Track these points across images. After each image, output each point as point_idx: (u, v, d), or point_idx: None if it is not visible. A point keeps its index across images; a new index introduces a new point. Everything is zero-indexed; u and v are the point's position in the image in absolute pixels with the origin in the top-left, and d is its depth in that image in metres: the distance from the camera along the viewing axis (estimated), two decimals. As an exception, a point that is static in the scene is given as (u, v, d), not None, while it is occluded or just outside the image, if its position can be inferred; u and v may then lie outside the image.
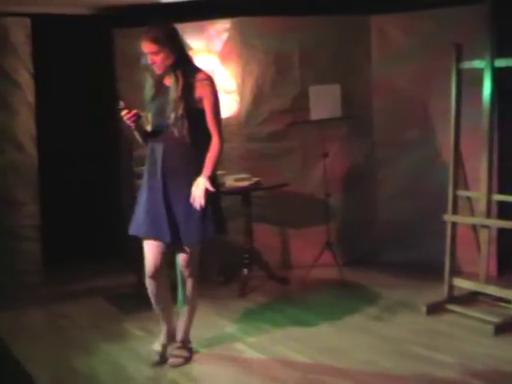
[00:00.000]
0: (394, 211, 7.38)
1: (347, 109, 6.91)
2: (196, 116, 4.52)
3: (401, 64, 7.20)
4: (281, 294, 6.63)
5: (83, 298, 6.70)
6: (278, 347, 5.15)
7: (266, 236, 7.30)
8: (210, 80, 4.58)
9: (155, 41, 4.43)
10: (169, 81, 4.60)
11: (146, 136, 4.68)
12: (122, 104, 4.43)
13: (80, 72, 7.96)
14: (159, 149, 4.57)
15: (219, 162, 4.68)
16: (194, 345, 5.00)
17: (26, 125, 7.12)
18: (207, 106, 4.53)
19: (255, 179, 6.71)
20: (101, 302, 6.60)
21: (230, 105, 7.25)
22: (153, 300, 4.79)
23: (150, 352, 4.99)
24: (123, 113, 4.43)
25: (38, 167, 7.22)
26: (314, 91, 6.87)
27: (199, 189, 4.43)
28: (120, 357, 5.09)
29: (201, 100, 4.52)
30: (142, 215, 4.63)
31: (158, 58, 4.47)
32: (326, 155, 6.94)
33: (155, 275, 4.67)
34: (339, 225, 7.33)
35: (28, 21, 7.11)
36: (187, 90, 4.49)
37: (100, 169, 8.11)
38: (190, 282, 4.82)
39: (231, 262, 6.95)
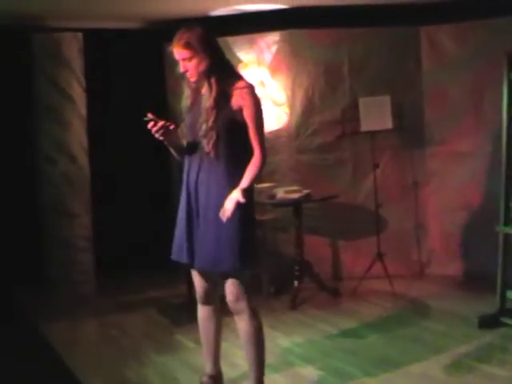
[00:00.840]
0: (446, 222, 7.32)
1: (398, 120, 6.89)
2: (232, 129, 4.01)
3: (452, 74, 7.16)
4: (332, 305, 6.61)
5: (135, 309, 6.75)
6: (331, 359, 5.13)
7: (316, 247, 7.29)
8: (250, 88, 4.03)
9: (187, 46, 3.96)
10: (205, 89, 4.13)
11: (183, 151, 4.25)
12: (148, 116, 4.05)
13: (131, 85, 8.04)
14: (194, 166, 4.13)
15: (259, 177, 4.14)
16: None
17: (78, 137, 7.24)
18: (248, 118, 3.99)
19: (306, 191, 6.70)
20: (153, 312, 6.63)
21: (280, 117, 7.27)
22: (200, 327, 4.47)
23: (202, 364, 5.01)
24: (149, 125, 4.03)
25: (91, 179, 7.32)
26: (365, 103, 6.87)
27: (230, 201, 3.91)
28: (172, 368, 5.12)
29: (240, 110, 3.99)
30: (179, 240, 4.22)
31: (191, 65, 3.99)
32: (376, 166, 6.93)
33: (205, 301, 4.37)
34: (390, 236, 7.27)
35: (80, 35, 7.24)
36: (222, 98, 3.99)
37: (152, 180, 8.18)
38: (241, 321, 4.18)
39: (282, 274, 6.95)
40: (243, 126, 4.02)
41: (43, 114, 7.18)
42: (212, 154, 4.01)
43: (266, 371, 4.26)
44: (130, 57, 8.08)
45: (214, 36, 4.10)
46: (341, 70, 7.32)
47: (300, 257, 6.83)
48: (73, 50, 7.19)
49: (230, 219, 3.93)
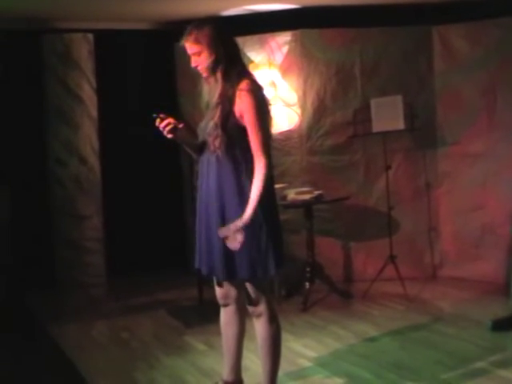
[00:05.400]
0: (459, 224, 7.26)
1: (410, 121, 6.84)
2: (237, 131, 3.86)
3: (465, 74, 7.10)
4: (343, 307, 6.57)
5: (146, 311, 6.73)
6: (342, 362, 5.09)
7: (328, 249, 7.25)
8: (249, 90, 3.83)
9: (195, 41, 3.91)
10: None
11: (198, 150, 4.11)
12: (155, 114, 3.97)
13: (142, 86, 8.02)
14: (203, 167, 4.04)
15: (265, 190, 3.81)
16: (255, 358, 4.80)
17: (88, 139, 7.20)
18: (247, 123, 3.82)
19: (317, 192, 6.66)
20: (163, 314, 6.61)
21: (291, 118, 7.22)
22: (221, 330, 4.36)
23: (212, 367, 4.98)
24: (157, 122, 3.96)
25: (101, 180, 7.30)
26: (376, 103, 6.83)
27: (233, 231, 3.76)
28: (182, 371, 5.08)
29: (241, 116, 3.84)
30: (197, 246, 4.12)
31: (200, 60, 3.93)
32: (388, 168, 6.87)
33: (223, 302, 4.26)
34: (402, 238, 7.22)
35: (91, 36, 7.20)
36: (227, 99, 3.87)
37: (163, 181, 8.15)
38: (259, 324, 4.11)
39: (293, 276, 6.90)
40: (246, 130, 3.87)
41: (53, 116, 7.15)
42: (217, 153, 3.88)
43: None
44: (140, 58, 8.08)
45: (225, 33, 4.00)
46: (352, 70, 7.27)
47: (311, 259, 6.79)
48: (83, 51, 7.15)
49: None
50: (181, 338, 5.87)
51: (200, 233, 4.07)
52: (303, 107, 7.26)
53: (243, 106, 3.82)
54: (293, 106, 7.21)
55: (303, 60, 7.24)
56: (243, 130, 3.85)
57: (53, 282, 7.23)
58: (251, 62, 7.14)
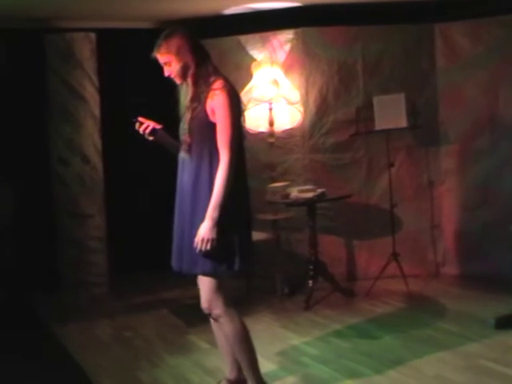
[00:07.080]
0: (461, 222, 7.26)
1: (412, 118, 6.83)
2: (208, 130, 3.95)
3: (467, 72, 7.09)
4: (346, 306, 6.57)
5: (149, 310, 6.73)
6: (344, 360, 5.08)
7: (331, 247, 7.24)
8: (223, 88, 3.92)
9: (165, 50, 4.03)
10: None
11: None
12: (134, 119, 4.20)
13: (144, 85, 8.02)
14: (179, 165, 4.19)
15: (229, 185, 3.88)
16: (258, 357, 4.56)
17: (91, 138, 7.21)
18: (217, 118, 3.91)
19: (320, 190, 6.65)
20: (166, 313, 6.62)
21: (293, 116, 7.21)
22: (213, 330, 4.39)
23: (215, 365, 4.98)
24: (136, 126, 4.18)
25: (104, 179, 7.30)
26: (379, 101, 6.82)
27: (199, 236, 3.92)
28: (185, 369, 5.08)
29: (213, 113, 3.93)
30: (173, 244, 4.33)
31: (172, 69, 4.05)
32: (391, 165, 6.87)
33: (206, 308, 4.17)
34: (405, 236, 7.22)
35: (93, 36, 7.22)
36: (197, 100, 3.98)
37: (166, 179, 8.12)
38: (222, 326, 4.14)
39: (296, 274, 6.90)
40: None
41: (56, 115, 7.16)
42: (190, 153, 4.02)
43: (280, 372, 4.20)
44: (142, 57, 8.03)
45: (192, 39, 4.09)
46: (355, 68, 7.27)
47: (314, 257, 6.78)
48: (85, 50, 7.17)
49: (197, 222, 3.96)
50: (184, 336, 5.88)
51: (176, 230, 4.28)
52: (305, 105, 7.24)
53: (215, 103, 3.92)
54: (295, 104, 7.19)
55: (305, 58, 7.24)
56: (214, 130, 3.94)
57: (56, 281, 7.24)
58: (253, 60, 7.15)
